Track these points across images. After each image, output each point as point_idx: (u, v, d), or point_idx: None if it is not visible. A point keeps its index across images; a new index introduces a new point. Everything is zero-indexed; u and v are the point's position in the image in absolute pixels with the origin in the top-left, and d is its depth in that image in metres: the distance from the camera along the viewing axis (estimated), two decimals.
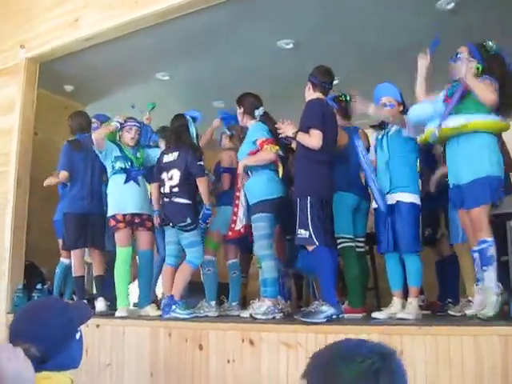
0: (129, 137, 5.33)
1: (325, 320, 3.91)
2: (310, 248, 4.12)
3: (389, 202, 4.39)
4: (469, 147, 3.80)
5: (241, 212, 4.88)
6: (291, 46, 6.06)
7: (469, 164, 3.79)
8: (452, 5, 5.23)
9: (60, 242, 5.89)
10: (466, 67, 3.84)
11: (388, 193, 4.42)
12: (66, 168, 5.56)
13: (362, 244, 4.97)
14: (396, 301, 4.36)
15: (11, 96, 6.36)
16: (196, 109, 5.36)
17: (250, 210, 4.69)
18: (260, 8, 5.36)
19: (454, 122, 3.83)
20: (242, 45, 6.12)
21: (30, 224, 6.16)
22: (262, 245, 4.56)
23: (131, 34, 5.66)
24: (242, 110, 4.89)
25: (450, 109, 3.85)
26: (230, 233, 5.00)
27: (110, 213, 5.12)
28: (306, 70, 4.52)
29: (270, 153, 4.58)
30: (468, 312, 3.85)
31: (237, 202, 4.92)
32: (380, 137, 4.60)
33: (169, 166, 4.93)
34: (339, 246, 4.67)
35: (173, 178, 4.87)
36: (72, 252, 5.50)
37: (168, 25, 5.45)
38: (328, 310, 3.95)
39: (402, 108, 4.56)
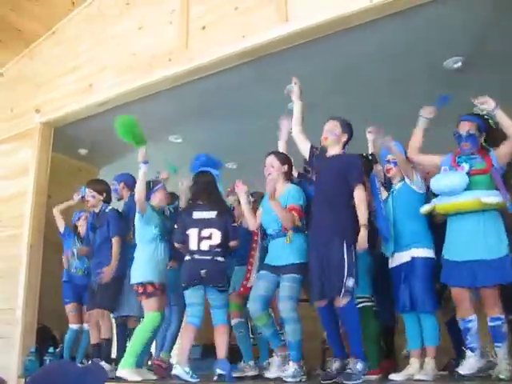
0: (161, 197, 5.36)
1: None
2: (345, 301, 4.08)
3: (403, 260, 4.35)
4: (492, 224, 3.90)
5: (254, 270, 4.87)
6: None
7: (492, 241, 3.87)
8: (459, 64, 5.35)
9: (68, 307, 5.95)
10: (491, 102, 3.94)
11: (401, 251, 4.38)
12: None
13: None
14: (413, 361, 4.29)
15: (26, 159, 6.48)
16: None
17: (276, 269, 4.61)
18: (272, 72, 5.44)
19: (488, 198, 3.90)
20: (255, 108, 6.18)
21: (43, 286, 6.16)
22: (289, 306, 4.47)
23: (145, 97, 5.77)
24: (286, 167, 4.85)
25: (504, 193, 3.89)
26: (242, 289, 5.02)
27: (145, 278, 5.07)
28: (318, 132, 4.56)
29: (291, 222, 4.52)
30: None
31: (251, 260, 4.95)
32: (384, 199, 4.60)
33: (204, 224, 4.85)
34: (359, 306, 4.59)
35: (212, 236, 4.78)
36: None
37: (181, 88, 5.56)
38: (362, 366, 4.03)
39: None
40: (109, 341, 5.53)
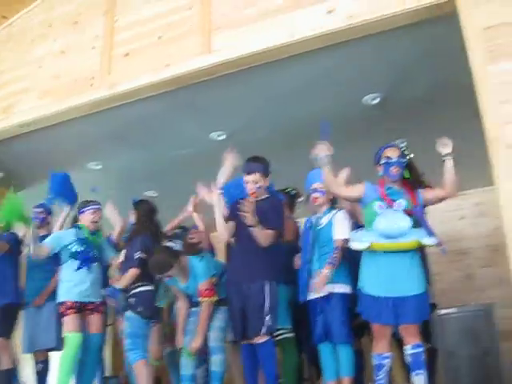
0: (90, 219, 5.24)
1: None
2: (263, 339, 4.14)
3: (321, 294, 4.39)
4: (416, 261, 3.95)
5: None
6: (224, 137, 6.18)
7: (415, 278, 3.91)
8: (377, 100, 5.50)
9: None
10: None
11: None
12: None
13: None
14: None
15: None
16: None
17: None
18: (193, 101, 5.48)
19: (427, 240, 3.93)
20: (175, 135, 6.20)
21: None
22: (219, 337, 4.63)
23: (65, 121, 5.68)
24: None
25: (432, 234, 3.95)
26: None
27: (58, 298, 4.99)
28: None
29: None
30: None
31: None
32: (305, 228, 4.65)
33: None
34: (279, 338, 4.66)
35: None
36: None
37: (102, 114, 5.50)
38: None
39: (331, 196, 4.60)
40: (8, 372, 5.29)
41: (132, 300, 4.93)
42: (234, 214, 4.44)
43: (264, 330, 4.12)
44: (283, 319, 4.62)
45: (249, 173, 4.43)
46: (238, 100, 5.48)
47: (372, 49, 4.74)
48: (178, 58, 4.89)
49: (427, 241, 3.91)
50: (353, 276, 4.34)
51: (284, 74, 5.04)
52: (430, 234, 3.91)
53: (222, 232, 4.52)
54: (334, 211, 4.57)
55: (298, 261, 4.62)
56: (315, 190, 4.62)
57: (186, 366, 4.77)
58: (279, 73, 5.03)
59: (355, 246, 4.03)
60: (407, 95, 5.43)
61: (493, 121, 3.54)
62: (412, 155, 4.12)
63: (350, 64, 4.94)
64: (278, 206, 4.45)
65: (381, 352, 3.92)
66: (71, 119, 5.64)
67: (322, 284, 4.24)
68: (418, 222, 3.96)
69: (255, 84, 5.26)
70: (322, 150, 4.11)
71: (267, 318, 4.14)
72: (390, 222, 3.89)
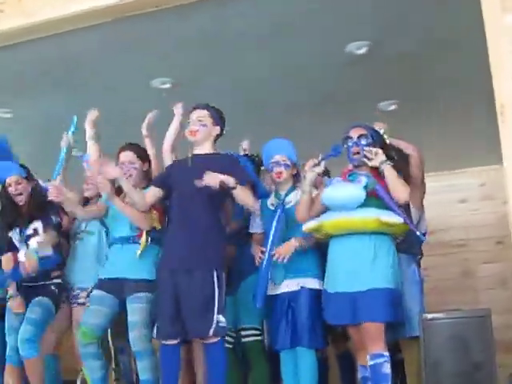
0: None
1: None
2: (215, 339, 4.20)
3: (287, 290, 4.52)
4: (384, 250, 4.09)
5: None
6: (168, 85, 6.21)
7: (380, 269, 4.04)
8: (364, 50, 5.56)
9: None
10: (383, 156, 4.11)
11: (288, 278, 4.56)
12: None
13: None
14: None
15: None
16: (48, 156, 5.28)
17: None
18: (132, 40, 5.42)
19: (389, 217, 4.03)
20: (108, 81, 6.20)
21: None
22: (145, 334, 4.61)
23: None
24: None
25: (400, 214, 4.06)
26: None
27: None
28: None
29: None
30: None
31: None
32: (273, 208, 4.67)
33: None
34: (245, 340, 4.89)
35: None
36: None
37: (14, 49, 5.33)
38: None
39: (295, 172, 4.71)
40: None
41: None
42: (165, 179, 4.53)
43: (212, 330, 4.16)
44: (251, 317, 4.80)
45: (195, 108, 4.50)
46: (190, 39, 5.43)
47: None
48: None
49: (389, 219, 4.02)
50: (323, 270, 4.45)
51: (249, 11, 5.01)
52: (396, 213, 4.03)
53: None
54: (298, 190, 4.60)
55: (257, 249, 4.66)
56: (278, 164, 4.68)
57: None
58: (247, 9, 4.98)
59: (306, 227, 4.23)
60: (400, 46, 5.49)
61: (505, 84, 3.56)
62: (385, 137, 4.36)
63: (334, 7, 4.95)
64: (239, 162, 4.52)
65: (364, 363, 4.07)
66: None
67: (286, 252, 4.35)
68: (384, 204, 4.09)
69: (216, 17, 5.13)
70: (311, 167, 4.27)
71: (216, 315, 4.18)
72: (336, 190, 4.14)
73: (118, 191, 4.73)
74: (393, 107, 6.47)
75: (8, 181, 4.96)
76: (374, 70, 5.83)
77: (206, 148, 4.46)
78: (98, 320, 4.65)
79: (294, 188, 4.64)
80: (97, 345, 4.69)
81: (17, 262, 4.87)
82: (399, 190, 4.02)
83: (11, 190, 4.92)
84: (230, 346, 4.85)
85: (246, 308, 4.83)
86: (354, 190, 4.08)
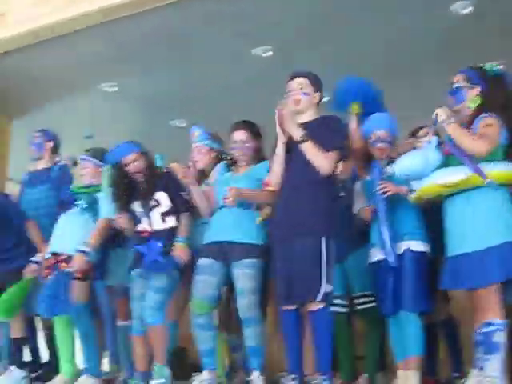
0: None
1: None
2: (321, 306, 4.09)
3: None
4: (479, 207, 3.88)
5: None
6: (270, 53, 6.17)
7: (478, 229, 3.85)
8: (470, 9, 5.47)
9: None
10: (445, 114, 3.91)
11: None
12: None
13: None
14: (401, 374, 4.34)
15: None
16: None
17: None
18: (232, 9, 5.44)
19: (453, 175, 3.90)
20: (210, 52, 6.27)
21: None
22: (254, 301, 4.51)
23: (70, 35, 5.75)
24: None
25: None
26: None
27: None
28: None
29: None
30: None
31: None
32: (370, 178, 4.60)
33: None
34: (362, 307, 4.79)
35: None
36: None
37: (116, 25, 5.55)
38: None
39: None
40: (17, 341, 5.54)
41: None
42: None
43: (320, 295, 4.03)
44: (363, 284, 4.72)
45: (292, 78, 4.37)
46: (289, 7, 5.44)
47: None
48: None
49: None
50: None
51: None
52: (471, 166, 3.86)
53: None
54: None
55: (367, 212, 4.59)
56: (380, 140, 4.58)
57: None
58: None
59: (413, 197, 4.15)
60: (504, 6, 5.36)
61: None
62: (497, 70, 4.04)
63: None
64: (336, 123, 4.27)
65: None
66: (76, 31, 5.69)
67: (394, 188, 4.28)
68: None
69: None
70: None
71: (325, 283, 4.07)
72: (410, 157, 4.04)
73: None
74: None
75: (124, 161, 5.02)
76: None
77: (308, 116, 4.33)
78: (209, 291, 4.57)
79: (390, 162, 4.60)
80: (209, 315, 4.63)
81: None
82: (471, 145, 3.83)
83: (129, 168, 5.00)
84: (344, 312, 4.85)
85: (357, 275, 4.81)
86: (409, 161, 4.00)
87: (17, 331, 5.52)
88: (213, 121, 5.07)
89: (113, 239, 5.10)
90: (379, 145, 4.53)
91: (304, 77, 4.30)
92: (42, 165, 5.75)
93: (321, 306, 4.04)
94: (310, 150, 4.07)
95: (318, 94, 4.30)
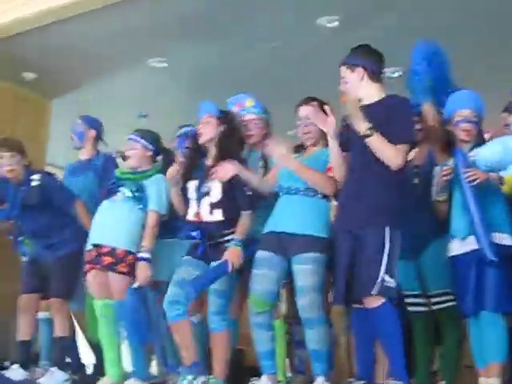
0: None
1: None
2: (380, 301, 3.86)
3: (473, 247, 4.13)
4: None
5: None
6: (336, 24, 5.89)
7: None
8: None
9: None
10: None
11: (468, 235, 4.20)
12: None
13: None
14: (482, 381, 4.09)
15: None
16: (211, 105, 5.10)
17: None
18: None
19: None
20: (267, 23, 6.10)
21: None
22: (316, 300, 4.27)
23: (115, 6, 5.69)
24: None
25: None
26: None
27: None
28: None
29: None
30: None
31: None
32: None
33: None
34: (440, 307, 4.53)
35: None
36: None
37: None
38: None
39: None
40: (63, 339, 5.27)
41: None
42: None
43: (376, 287, 3.83)
44: (441, 281, 4.44)
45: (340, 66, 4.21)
46: None
47: None
48: None
49: None
50: None
51: None
52: None
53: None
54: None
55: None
56: (465, 120, 4.34)
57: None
58: None
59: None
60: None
61: None
62: None
63: None
64: (403, 108, 4.08)
65: None
66: (122, 2, 5.62)
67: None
68: None
69: None
70: None
71: (383, 273, 3.85)
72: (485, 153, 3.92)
73: None
74: None
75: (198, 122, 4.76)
76: None
77: (369, 97, 4.12)
78: (268, 286, 4.36)
79: (477, 145, 4.29)
80: (269, 314, 4.42)
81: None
82: None
83: (199, 130, 4.67)
84: (421, 311, 4.58)
85: (433, 270, 4.52)
86: (489, 152, 3.83)
87: (61, 329, 5.26)
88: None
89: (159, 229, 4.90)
90: (464, 125, 4.34)
91: (341, 65, 4.18)
92: (84, 155, 5.68)
93: (381, 300, 3.84)
94: (377, 144, 3.91)
95: (359, 69, 4.10)
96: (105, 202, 4.95)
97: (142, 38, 6.42)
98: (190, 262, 4.48)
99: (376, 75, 4.08)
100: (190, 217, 4.58)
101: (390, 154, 3.88)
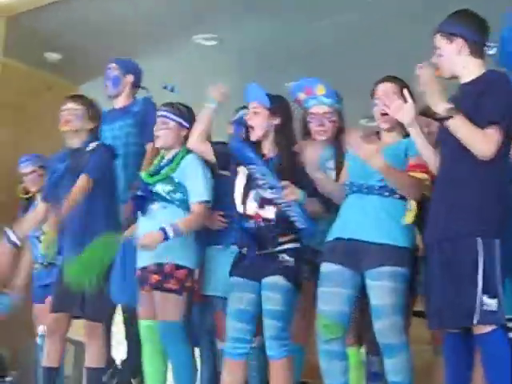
0: None
1: None
2: (484, 329, 3.45)
3: None
4: None
5: None
6: None
7: None
8: None
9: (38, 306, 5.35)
10: None
11: None
12: None
13: None
14: None
15: None
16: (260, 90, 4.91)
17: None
18: None
19: None
20: None
21: None
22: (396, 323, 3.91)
23: None
24: None
25: None
26: None
27: None
28: None
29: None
30: None
31: None
32: None
33: None
34: None
35: None
36: None
37: None
38: None
39: None
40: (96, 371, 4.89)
41: None
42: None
43: (477, 316, 3.38)
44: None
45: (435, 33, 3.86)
46: None
47: None
48: None
49: None
50: None
51: None
52: None
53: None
54: None
55: None
56: None
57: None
58: None
59: None
60: None
61: None
62: None
63: None
64: (498, 83, 3.64)
65: None
66: None
67: None
68: None
69: None
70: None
71: (480, 294, 3.41)
72: None
73: None
74: None
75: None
76: None
77: (467, 74, 3.70)
78: (340, 306, 3.97)
79: None
80: (341, 340, 4.01)
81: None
82: None
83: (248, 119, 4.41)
84: None
85: None
86: None
87: (94, 359, 4.81)
88: (329, 78, 4.57)
89: (207, 233, 4.61)
90: None
91: (436, 33, 3.81)
92: (119, 103, 5.37)
93: (489, 328, 3.44)
94: (460, 128, 3.54)
95: (459, 40, 3.73)
96: (142, 220, 4.54)
97: (186, 12, 6.31)
98: (238, 286, 4.23)
99: (478, 48, 3.68)
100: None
101: (475, 139, 3.53)
